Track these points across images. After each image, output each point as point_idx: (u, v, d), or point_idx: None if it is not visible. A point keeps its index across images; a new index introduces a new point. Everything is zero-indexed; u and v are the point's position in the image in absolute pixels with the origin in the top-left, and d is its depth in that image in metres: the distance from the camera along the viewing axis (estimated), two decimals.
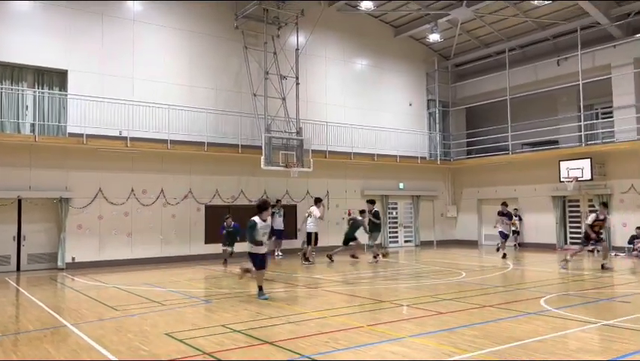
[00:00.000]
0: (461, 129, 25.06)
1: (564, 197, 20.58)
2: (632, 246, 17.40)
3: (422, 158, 22.97)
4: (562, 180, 19.60)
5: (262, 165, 17.17)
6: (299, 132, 18.68)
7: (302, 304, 9.25)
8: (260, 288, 9.47)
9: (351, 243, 15.98)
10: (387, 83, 22.96)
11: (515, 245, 20.83)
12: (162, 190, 17.05)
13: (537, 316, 7.70)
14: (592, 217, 13.76)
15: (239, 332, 6.87)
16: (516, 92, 21.41)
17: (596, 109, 20.75)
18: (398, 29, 22.97)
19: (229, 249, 15.32)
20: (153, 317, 8.01)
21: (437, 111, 24.05)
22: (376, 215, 16.38)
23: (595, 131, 20.30)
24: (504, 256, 16.63)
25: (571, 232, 20.67)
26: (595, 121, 20.59)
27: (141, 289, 10.97)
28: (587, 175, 18.81)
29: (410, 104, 23.63)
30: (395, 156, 21.74)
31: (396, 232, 22.88)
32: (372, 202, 16.78)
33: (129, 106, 16.04)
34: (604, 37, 19.33)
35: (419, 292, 10.21)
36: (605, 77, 19.22)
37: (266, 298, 9.23)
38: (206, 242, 17.63)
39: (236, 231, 15.02)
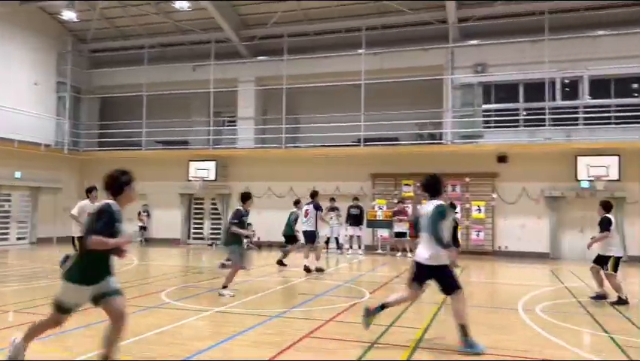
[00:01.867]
0: (94, 119, 23.76)
1: (191, 195, 21.96)
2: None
3: (46, 145, 20.62)
4: (190, 178, 20.91)
5: None
6: None
7: None
8: (465, 329, 5.69)
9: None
10: (8, 55, 19.70)
11: (141, 240, 21.03)
12: None
13: (158, 309, 7.90)
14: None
15: None
16: (153, 89, 21.62)
17: (224, 116, 22.97)
18: None
19: None
20: None
21: (67, 96, 22.05)
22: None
23: (222, 137, 22.45)
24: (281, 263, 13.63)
25: (194, 228, 22.25)
26: (222, 127, 22.77)
27: None
28: (212, 176, 20.71)
29: (36, 84, 20.95)
30: (13, 140, 18.83)
31: (7, 228, 19.92)
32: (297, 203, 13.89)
33: None
34: (234, 53, 21.55)
35: (32, 295, 9.07)
36: (232, 89, 21.51)
37: (480, 351, 5.61)
38: None
39: None
